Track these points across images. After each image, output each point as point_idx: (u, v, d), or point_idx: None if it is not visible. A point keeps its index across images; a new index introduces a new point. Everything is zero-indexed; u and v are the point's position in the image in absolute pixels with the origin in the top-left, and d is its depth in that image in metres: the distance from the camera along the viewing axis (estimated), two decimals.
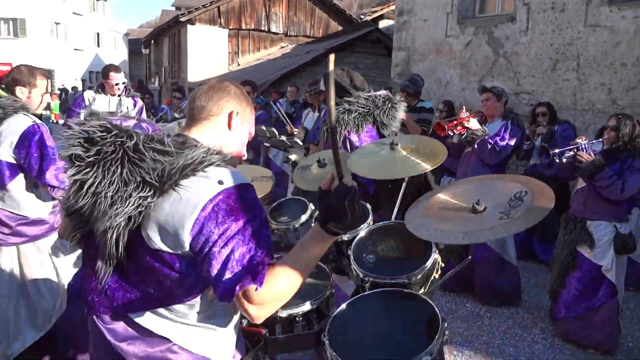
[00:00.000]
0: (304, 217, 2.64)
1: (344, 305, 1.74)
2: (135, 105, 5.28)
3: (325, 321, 1.69)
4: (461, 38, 8.16)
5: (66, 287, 2.95)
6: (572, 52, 6.42)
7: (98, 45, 38.87)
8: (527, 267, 5.18)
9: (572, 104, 6.45)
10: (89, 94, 5.17)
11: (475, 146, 4.22)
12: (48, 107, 14.05)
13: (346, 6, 24.22)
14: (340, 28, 20.19)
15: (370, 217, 2.39)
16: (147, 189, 1.24)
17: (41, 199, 2.87)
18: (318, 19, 20.62)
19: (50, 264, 2.92)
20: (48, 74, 3.12)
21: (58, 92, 25.42)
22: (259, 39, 19.68)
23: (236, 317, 1.49)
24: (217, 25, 18.64)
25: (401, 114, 3.17)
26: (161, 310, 1.34)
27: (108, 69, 5.13)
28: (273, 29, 19.84)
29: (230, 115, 1.48)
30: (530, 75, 6.99)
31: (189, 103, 1.51)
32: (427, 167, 2.38)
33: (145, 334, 1.36)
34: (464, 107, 4.77)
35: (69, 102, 19.09)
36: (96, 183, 1.26)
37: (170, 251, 1.27)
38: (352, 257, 2.10)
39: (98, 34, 38.94)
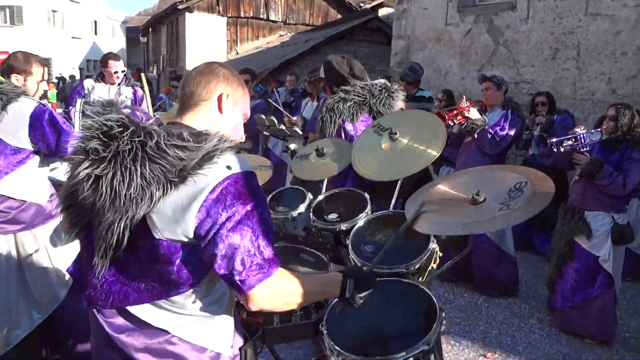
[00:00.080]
0: (302, 207, 2.64)
1: None
2: (134, 95, 5.24)
3: (323, 311, 1.69)
4: (461, 26, 8.10)
5: (65, 276, 2.95)
6: (572, 40, 6.39)
7: (95, 34, 38.50)
8: (525, 258, 5.19)
9: (571, 93, 6.42)
10: (88, 83, 5.13)
11: (475, 136, 4.21)
12: (45, 96, 13.95)
13: None
14: (339, 16, 20.01)
15: (369, 207, 2.38)
16: (168, 186, 1.24)
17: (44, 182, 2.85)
18: (317, 7, 20.44)
19: (47, 253, 2.91)
20: (45, 62, 3.10)
21: (55, 80, 25.23)
22: (257, 27, 19.51)
23: (233, 305, 1.49)
24: (215, 13, 18.47)
25: (400, 103, 3.14)
26: (159, 301, 1.34)
27: (107, 57, 5.11)
28: (272, 17, 19.66)
29: (219, 98, 1.45)
30: (530, 64, 6.96)
31: (180, 90, 1.48)
32: (434, 152, 2.33)
33: (144, 326, 1.35)
34: (464, 96, 4.75)
35: (67, 91, 18.96)
36: (110, 179, 1.24)
37: (173, 238, 1.26)
38: (350, 246, 2.10)
39: (95, 21, 38.55)
